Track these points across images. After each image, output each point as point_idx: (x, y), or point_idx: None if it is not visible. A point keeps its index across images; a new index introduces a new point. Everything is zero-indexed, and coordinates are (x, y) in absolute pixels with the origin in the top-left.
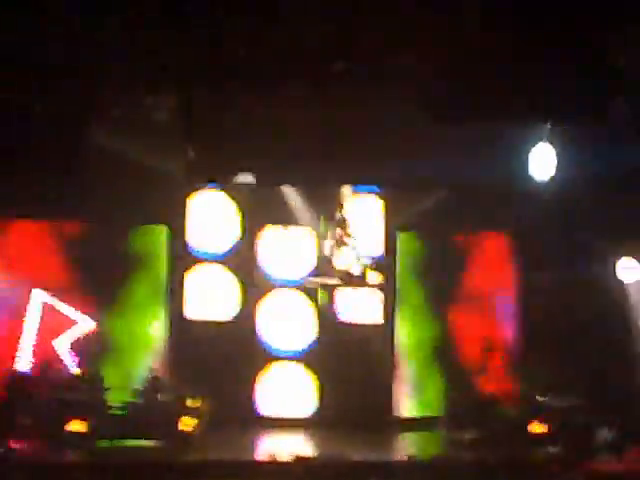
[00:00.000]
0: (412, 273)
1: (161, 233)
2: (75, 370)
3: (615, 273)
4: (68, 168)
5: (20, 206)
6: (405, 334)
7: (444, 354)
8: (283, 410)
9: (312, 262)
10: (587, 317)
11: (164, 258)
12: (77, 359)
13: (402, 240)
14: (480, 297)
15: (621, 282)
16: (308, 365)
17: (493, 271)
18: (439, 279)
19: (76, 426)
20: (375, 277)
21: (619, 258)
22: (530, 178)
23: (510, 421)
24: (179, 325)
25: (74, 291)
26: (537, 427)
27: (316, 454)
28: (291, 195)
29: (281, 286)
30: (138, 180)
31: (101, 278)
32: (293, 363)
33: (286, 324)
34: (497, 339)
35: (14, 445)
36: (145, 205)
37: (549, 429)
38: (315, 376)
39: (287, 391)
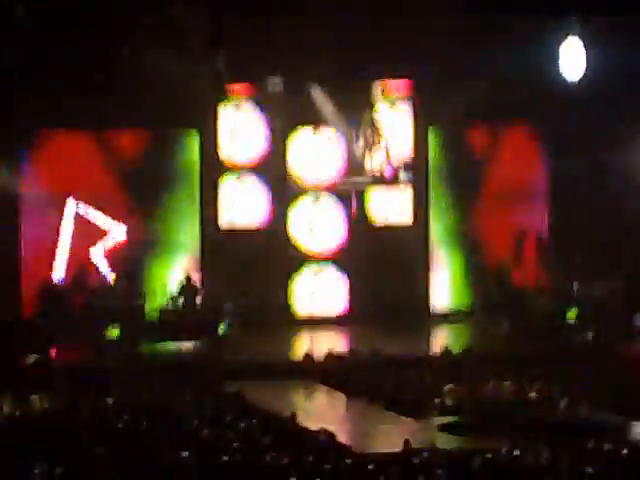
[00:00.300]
0: (443, 170)
1: (194, 140)
2: (111, 277)
3: None
4: (106, 82)
5: (59, 118)
6: (437, 231)
7: (477, 248)
8: (317, 309)
9: (343, 164)
10: (619, 205)
11: (197, 166)
12: (112, 267)
13: (432, 137)
14: (511, 188)
15: None
16: (341, 265)
17: (524, 162)
18: (470, 174)
19: (113, 332)
20: (406, 177)
21: None
22: (560, 71)
23: (544, 311)
24: (213, 231)
25: (109, 199)
26: (572, 315)
27: (350, 350)
28: (321, 98)
29: (313, 189)
30: (170, 89)
31: (137, 186)
32: (326, 264)
33: (318, 226)
34: (530, 229)
35: (52, 352)
36: (178, 113)
37: (584, 317)
38: (348, 275)
39: (321, 291)
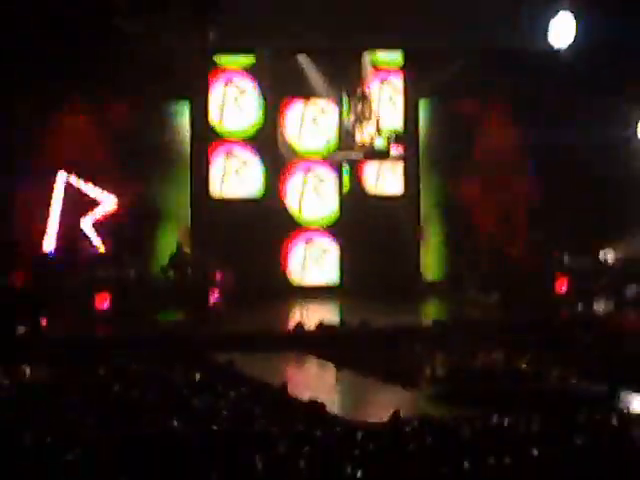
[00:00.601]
0: (433, 142)
1: (185, 110)
2: (101, 248)
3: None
4: (99, 53)
5: (57, 90)
6: (428, 202)
7: (467, 219)
8: (309, 279)
9: (335, 135)
10: (604, 173)
11: (188, 136)
12: (103, 237)
13: (423, 110)
14: (500, 159)
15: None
16: (333, 234)
17: (512, 134)
18: (460, 146)
19: (104, 302)
20: (397, 149)
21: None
22: (548, 41)
23: (534, 282)
24: (205, 201)
25: (100, 169)
26: (562, 286)
27: (342, 321)
28: (312, 69)
29: (305, 159)
30: (160, 59)
31: (128, 155)
32: (319, 233)
33: (310, 195)
34: (519, 200)
35: (43, 322)
36: (169, 83)
37: (574, 287)
38: (340, 245)
39: (313, 260)
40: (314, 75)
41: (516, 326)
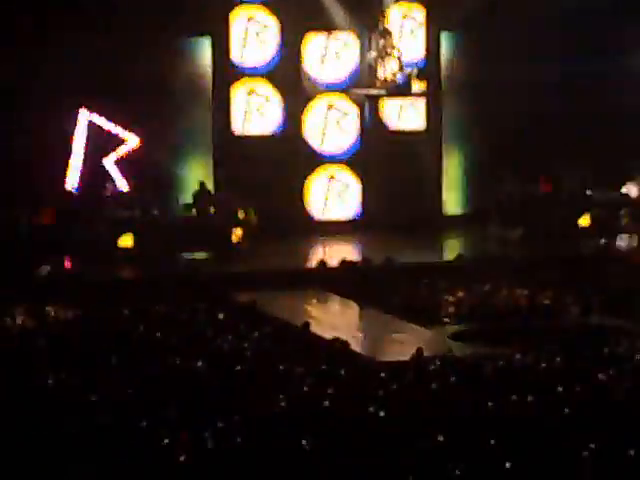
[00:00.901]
0: (455, 77)
1: (207, 47)
2: (124, 187)
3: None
4: None
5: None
6: (451, 136)
7: (491, 153)
8: (331, 215)
9: (356, 68)
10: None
11: (209, 73)
12: (126, 176)
13: (445, 43)
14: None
15: None
16: (355, 170)
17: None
18: (483, 77)
19: (127, 242)
20: (419, 85)
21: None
22: None
23: (558, 216)
24: (227, 139)
25: (122, 109)
26: (585, 221)
27: (363, 259)
28: (333, 1)
29: (326, 92)
30: None
31: (150, 92)
32: (340, 168)
33: (332, 130)
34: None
35: (66, 263)
36: (190, 19)
37: (597, 222)
38: (362, 180)
39: (335, 196)
40: (336, 8)
41: (539, 262)
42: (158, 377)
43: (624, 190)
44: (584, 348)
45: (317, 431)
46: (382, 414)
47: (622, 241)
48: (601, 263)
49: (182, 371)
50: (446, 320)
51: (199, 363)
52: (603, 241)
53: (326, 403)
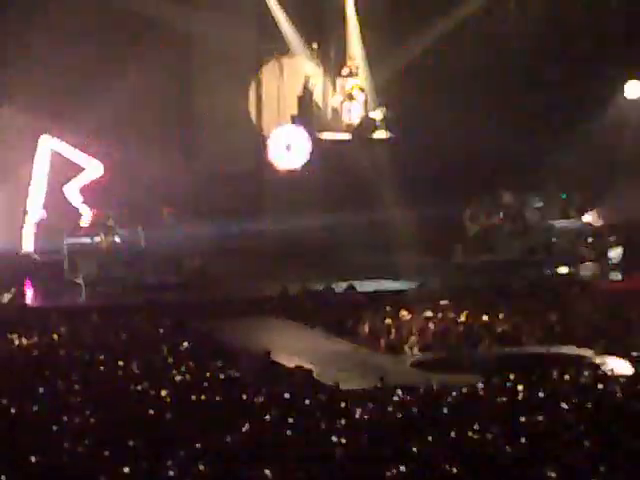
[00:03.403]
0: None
1: None
2: (86, 215)
3: None
4: None
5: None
6: None
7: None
8: None
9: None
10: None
11: None
12: (87, 203)
13: None
14: None
15: None
16: None
17: None
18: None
19: (89, 270)
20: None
21: None
22: None
23: (518, 247)
24: None
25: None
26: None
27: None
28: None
29: None
30: None
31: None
32: None
33: None
34: None
35: (27, 291)
36: None
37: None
38: None
39: None
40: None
41: (498, 291)
42: (118, 405)
43: (585, 219)
44: (545, 377)
45: (281, 460)
46: (344, 442)
47: (584, 269)
48: (563, 291)
49: (142, 400)
50: (408, 348)
51: (161, 392)
52: (565, 270)
53: (289, 432)
